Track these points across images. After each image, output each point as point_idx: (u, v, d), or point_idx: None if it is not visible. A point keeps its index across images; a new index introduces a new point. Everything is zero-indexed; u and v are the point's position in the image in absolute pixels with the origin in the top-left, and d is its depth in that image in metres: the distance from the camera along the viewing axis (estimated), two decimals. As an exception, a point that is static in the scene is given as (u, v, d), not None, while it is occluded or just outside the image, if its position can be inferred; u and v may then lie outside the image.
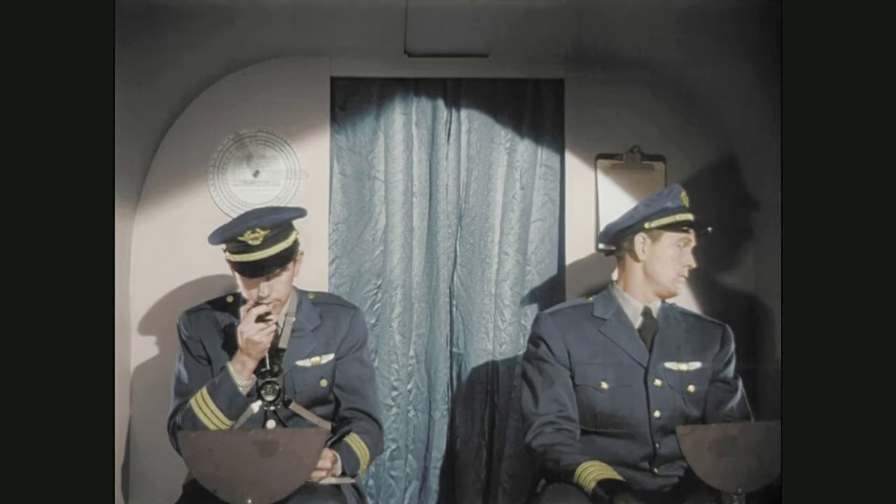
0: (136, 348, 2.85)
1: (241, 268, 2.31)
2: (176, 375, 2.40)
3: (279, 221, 2.33)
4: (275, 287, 2.31)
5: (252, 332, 2.23)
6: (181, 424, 2.27)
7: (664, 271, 2.37)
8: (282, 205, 2.82)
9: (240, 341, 2.26)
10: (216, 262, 2.82)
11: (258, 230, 2.28)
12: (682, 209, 2.40)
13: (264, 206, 2.64)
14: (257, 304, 2.28)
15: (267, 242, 2.28)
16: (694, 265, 2.39)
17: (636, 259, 2.40)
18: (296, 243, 2.38)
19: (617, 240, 2.45)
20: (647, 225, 2.38)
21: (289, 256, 2.34)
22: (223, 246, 2.34)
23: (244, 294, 2.34)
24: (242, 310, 2.29)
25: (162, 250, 2.87)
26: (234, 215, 2.84)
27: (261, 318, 2.25)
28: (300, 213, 2.42)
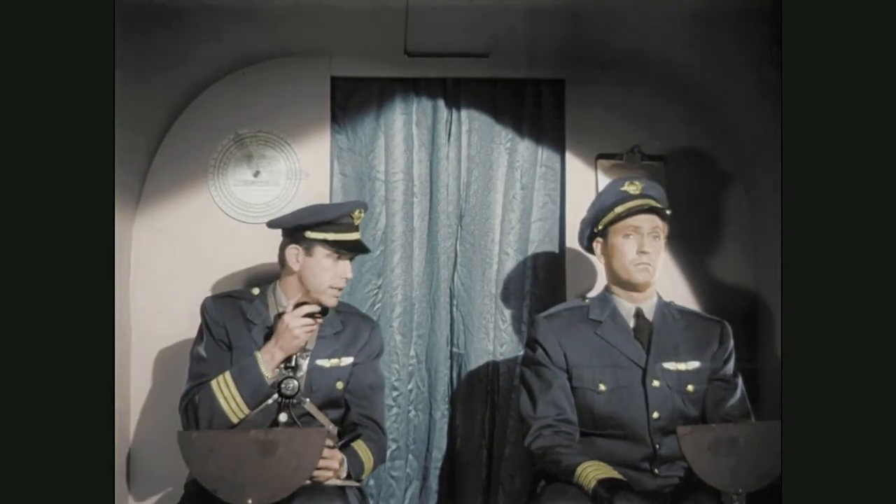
0: (136, 348, 2.84)
1: (340, 245, 2.40)
2: (195, 356, 2.40)
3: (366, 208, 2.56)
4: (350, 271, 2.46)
5: (297, 325, 2.30)
6: (198, 405, 2.28)
7: (619, 263, 2.39)
8: (285, 206, 2.85)
9: (279, 331, 2.30)
10: (216, 262, 2.84)
11: (362, 211, 2.50)
12: (623, 199, 2.39)
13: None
14: (303, 302, 2.35)
15: (361, 225, 2.51)
16: (646, 249, 2.34)
17: (602, 262, 2.46)
18: None
19: (589, 252, 2.54)
20: (595, 230, 2.45)
21: None
22: (309, 227, 2.40)
23: (324, 278, 2.39)
24: (291, 302, 2.34)
25: (162, 250, 2.87)
26: (235, 215, 2.90)
27: (309, 315, 2.31)
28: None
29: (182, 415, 2.33)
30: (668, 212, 2.40)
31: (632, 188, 2.41)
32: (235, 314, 2.43)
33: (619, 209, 2.38)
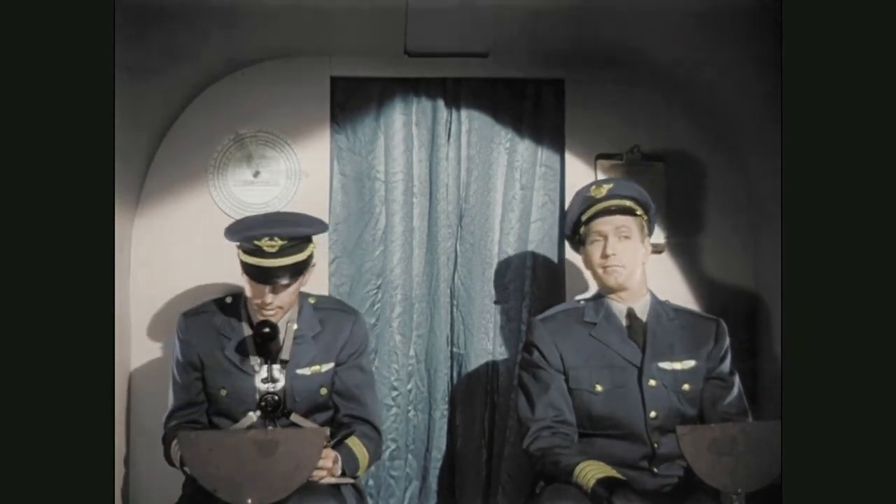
0: (136, 348, 2.85)
1: (251, 271, 2.27)
2: (172, 376, 2.43)
3: (298, 235, 2.30)
4: (280, 296, 2.29)
5: None
6: (169, 442, 2.33)
7: (591, 269, 2.42)
8: (285, 206, 2.84)
9: None
10: (216, 263, 2.83)
11: (276, 239, 2.24)
12: (589, 204, 2.40)
13: (287, 211, 2.63)
14: (260, 324, 2.27)
15: (282, 252, 2.25)
16: (609, 252, 2.33)
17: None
18: (310, 257, 2.36)
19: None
20: (576, 239, 2.46)
21: (301, 270, 2.31)
22: (236, 243, 2.34)
23: (248, 294, 2.33)
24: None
25: (162, 250, 2.87)
26: (235, 215, 2.86)
27: None
28: (322, 228, 2.41)
29: (163, 434, 2.39)
30: (637, 210, 2.38)
31: (597, 192, 2.40)
32: (208, 331, 2.39)
33: (584, 216, 2.39)
